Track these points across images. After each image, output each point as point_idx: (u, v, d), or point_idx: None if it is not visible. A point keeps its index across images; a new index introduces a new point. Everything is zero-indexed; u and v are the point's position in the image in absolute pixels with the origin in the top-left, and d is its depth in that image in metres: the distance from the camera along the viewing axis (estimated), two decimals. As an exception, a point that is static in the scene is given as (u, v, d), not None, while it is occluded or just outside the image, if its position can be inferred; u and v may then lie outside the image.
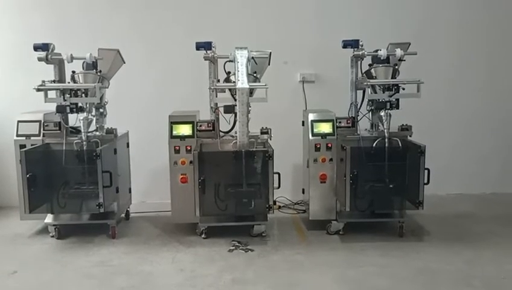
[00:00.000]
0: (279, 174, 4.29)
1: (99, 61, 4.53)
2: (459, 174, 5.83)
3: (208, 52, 4.36)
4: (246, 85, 4.04)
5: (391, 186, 4.32)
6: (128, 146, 5.09)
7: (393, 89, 4.25)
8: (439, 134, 5.66)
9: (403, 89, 4.28)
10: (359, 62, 4.56)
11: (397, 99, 4.29)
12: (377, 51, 4.44)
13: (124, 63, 4.73)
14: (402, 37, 4.76)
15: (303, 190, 4.86)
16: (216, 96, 4.52)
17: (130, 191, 5.17)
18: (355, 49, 4.47)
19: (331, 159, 4.46)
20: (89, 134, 4.46)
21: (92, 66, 4.51)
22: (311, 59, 5.59)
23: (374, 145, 4.43)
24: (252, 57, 4.30)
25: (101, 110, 4.70)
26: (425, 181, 4.18)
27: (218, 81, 4.49)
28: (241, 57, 4.14)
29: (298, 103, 5.43)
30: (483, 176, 5.88)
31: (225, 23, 5.49)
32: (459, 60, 5.74)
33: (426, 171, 4.17)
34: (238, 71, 4.10)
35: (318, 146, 4.44)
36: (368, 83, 4.30)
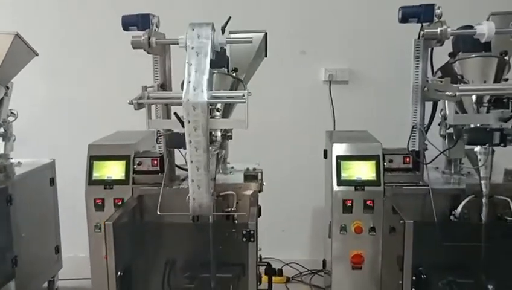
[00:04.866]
0: (269, 265, 2.33)
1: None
2: None
3: (142, 33, 2.35)
4: (201, 98, 2.04)
5: (491, 287, 2.34)
6: (53, 183, 3.40)
7: (509, 105, 2.10)
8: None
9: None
10: (430, 49, 2.49)
11: (516, 127, 2.16)
12: (470, 27, 2.30)
13: (37, 55, 3.15)
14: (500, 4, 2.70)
15: (323, 262, 3.10)
16: (168, 117, 2.54)
17: (57, 251, 3.48)
18: (427, 24, 2.36)
19: (372, 228, 2.52)
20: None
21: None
22: (342, 47, 3.83)
23: (460, 208, 2.38)
24: (226, 43, 2.28)
25: (2, 130, 3.14)
26: None
27: (162, 87, 2.51)
28: (199, 42, 2.13)
29: (322, 115, 3.81)
30: None
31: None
32: None
33: None
34: (191, 72, 2.10)
35: (349, 204, 2.54)
36: (458, 93, 2.10)
